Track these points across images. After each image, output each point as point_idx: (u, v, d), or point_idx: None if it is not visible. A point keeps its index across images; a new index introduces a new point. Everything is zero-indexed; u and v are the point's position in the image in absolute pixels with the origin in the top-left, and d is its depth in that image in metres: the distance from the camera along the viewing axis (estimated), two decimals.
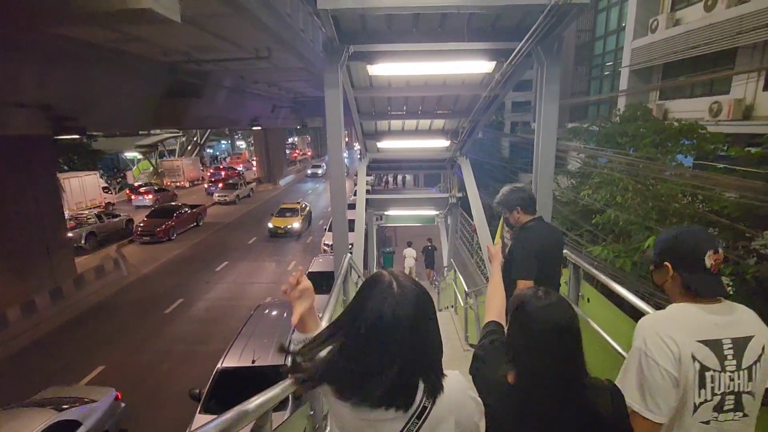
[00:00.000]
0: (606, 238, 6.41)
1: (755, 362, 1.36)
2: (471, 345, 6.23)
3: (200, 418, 6.37)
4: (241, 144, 61.36)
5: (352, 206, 10.13)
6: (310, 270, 12.34)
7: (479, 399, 1.25)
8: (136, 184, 32.25)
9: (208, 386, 6.83)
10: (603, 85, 23.19)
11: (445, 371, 1.12)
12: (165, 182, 33.95)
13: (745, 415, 1.38)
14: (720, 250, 1.41)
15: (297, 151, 62.33)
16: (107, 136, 40.10)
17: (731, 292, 4.75)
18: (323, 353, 1.13)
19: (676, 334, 1.36)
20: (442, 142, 8.23)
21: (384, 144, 8.28)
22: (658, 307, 1.89)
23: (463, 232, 16.98)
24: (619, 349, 2.43)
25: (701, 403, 1.36)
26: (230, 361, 7.10)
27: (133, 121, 10.18)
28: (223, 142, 60.27)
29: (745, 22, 11.12)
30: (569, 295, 3.23)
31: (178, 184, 34.75)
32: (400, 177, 33.30)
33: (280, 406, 1.62)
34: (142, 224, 20.49)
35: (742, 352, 1.36)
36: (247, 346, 7.40)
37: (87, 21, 5.23)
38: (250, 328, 8.09)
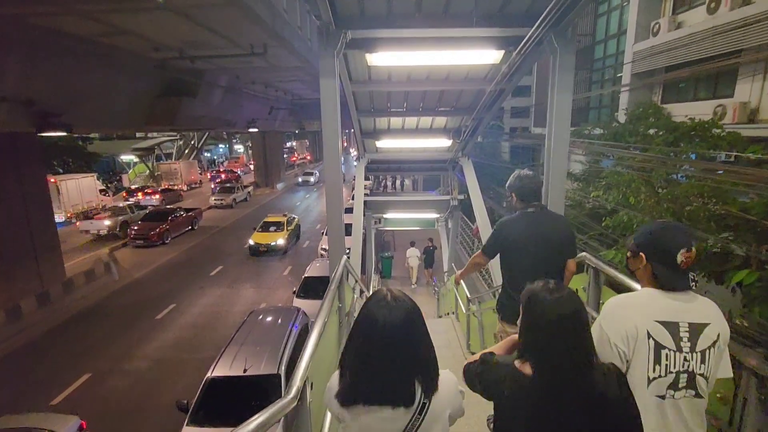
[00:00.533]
0: (617, 240, 6.11)
1: (709, 347, 1.48)
2: (473, 352, 5.92)
3: (187, 431, 6.02)
4: (239, 148, 61.07)
5: (350, 210, 9.88)
6: (306, 275, 12.02)
7: (463, 390, 1.41)
8: (132, 187, 32.03)
9: (196, 397, 6.49)
10: (603, 88, 23.03)
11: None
12: (162, 185, 33.58)
13: (698, 395, 1.50)
14: (693, 249, 1.51)
15: (296, 155, 62.10)
16: (103, 138, 40.34)
17: (757, 298, 4.47)
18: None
19: (635, 314, 1.51)
20: (444, 142, 7.92)
21: (383, 143, 7.96)
22: None
23: (464, 236, 16.66)
24: None
25: (654, 378, 1.48)
26: (221, 370, 6.76)
27: (124, 119, 9.85)
28: (221, 146, 59.94)
29: (750, 23, 10.92)
30: (588, 302, 2.91)
31: (175, 187, 34.29)
32: (398, 181, 32.97)
33: None
34: (136, 228, 20.08)
35: (697, 336, 1.48)
36: (239, 354, 7.07)
37: None
38: (243, 335, 7.75)
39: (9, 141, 11.53)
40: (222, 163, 56.32)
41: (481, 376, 1.46)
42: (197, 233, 22.54)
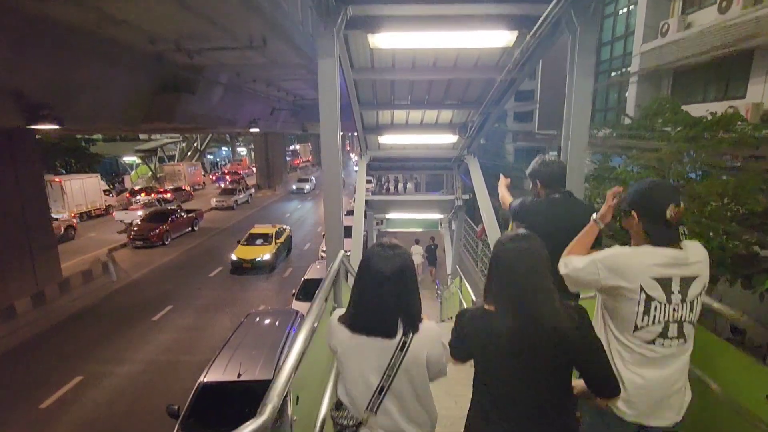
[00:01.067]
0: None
1: (697, 296, 1.63)
2: None
3: None
4: (242, 150, 61.07)
5: (351, 213, 9.58)
6: (306, 277, 11.74)
7: (446, 344, 1.60)
8: (136, 188, 31.99)
9: (188, 402, 6.19)
10: (609, 92, 22.72)
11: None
12: (167, 187, 33.43)
13: (685, 341, 1.64)
14: (681, 205, 1.59)
15: (299, 158, 62.09)
16: (107, 140, 40.45)
17: None
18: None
19: (632, 268, 1.60)
20: (449, 138, 7.60)
21: (386, 139, 7.64)
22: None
23: (467, 238, 16.29)
24: (710, 383, 1.83)
25: (642, 327, 1.60)
26: (214, 374, 6.46)
27: (121, 116, 9.59)
28: (223, 148, 59.97)
29: (763, 23, 10.61)
30: None
31: (185, 188, 34.27)
32: (401, 184, 32.68)
33: None
34: (136, 228, 19.90)
35: (687, 288, 1.60)
36: (233, 358, 6.77)
37: None
38: (238, 338, 7.45)
39: (5, 139, 11.35)
40: (224, 165, 56.23)
41: (457, 329, 1.56)
42: (198, 234, 22.33)
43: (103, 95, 8.65)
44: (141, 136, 41.57)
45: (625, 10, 21.87)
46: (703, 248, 1.70)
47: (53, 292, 13.46)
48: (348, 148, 69.37)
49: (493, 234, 6.30)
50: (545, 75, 31.88)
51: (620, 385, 1.55)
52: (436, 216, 12.33)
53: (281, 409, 1.28)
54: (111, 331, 11.58)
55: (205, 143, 44.24)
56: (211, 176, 45.12)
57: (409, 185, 33.59)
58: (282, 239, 17.76)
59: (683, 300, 1.61)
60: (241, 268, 15.94)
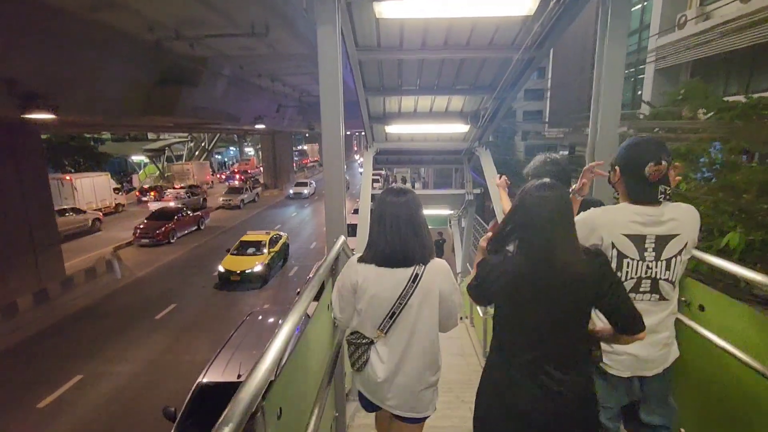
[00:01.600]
0: None
1: (675, 255, 1.66)
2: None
3: None
4: (250, 150, 61.30)
5: (357, 212, 9.21)
6: (311, 275, 11.41)
7: (456, 283, 1.82)
8: (145, 186, 32.46)
9: (185, 404, 5.90)
10: (624, 87, 22.09)
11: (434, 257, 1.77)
12: (174, 186, 33.66)
13: (663, 299, 1.70)
14: (663, 162, 1.61)
15: (308, 158, 62.51)
16: (115, 140, 40.68)
17: None
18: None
19: (605, 225, 1.69)
20: (460, 127, 7.20)
21: (393, 129, 7.26)
22: None
23: (477, 236, 15.81)
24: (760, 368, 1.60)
25: None
26: (213, 375, 6.17)
27: (120, 107, 9.35)
28: (231, 148, 60.20)
29: None
30: None
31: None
32: (408, 183, 32.31)
33: None
34: (141, 226, 19.83)
35: (662, 247, 1.65)
36: (233, 358, 6.47)
37: None
38: (240, 337, 7.14)
39: (7, 135, 11.25)
40: (232, 165, 56.50)
41: (480, 274, 1.55)
42: (204, 233, 22.20)
43: (101, 85, 8.41)
44: (150, 136, 42.02)
45: (639, 6, 21.29)
46: (689, 209, 1.71)
47: (56, 289, 13.33)
48: (355, 148, 69.13)
49: None
50: (555, 74, 31.40)
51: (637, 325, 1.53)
52: (446, 212, 11.92)
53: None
54: (112, 330, 11.39)
55: (213, 143, 44.26)
56: (218, 175, 45.17)
57: (417, 185, 33.17)
58: (277, 247, 15.86)
59: (657, 258, 1.63)
60: (229, 281, 14.04)
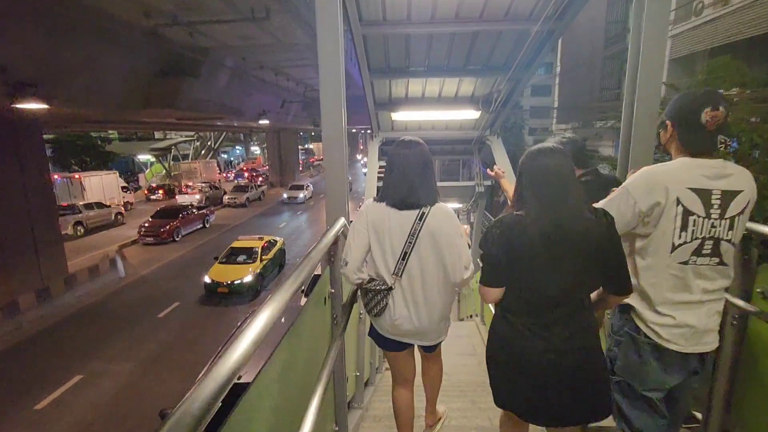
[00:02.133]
0: None
1: (738, 214, 1.50)
2: None
3: None
4: (256, 150, 61.38)
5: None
6: (316, 272, 11.03)
7: (461, 227, 1.94)
8: (153, 185, 32.84)
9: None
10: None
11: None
12: (182, 184, 34.15)
13: (721, 263, 1.53)
14: (721, 108, 1.45)
15: (314, 157, 62.86)
16: (123, 139, 40.81)
17: None
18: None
19: (667, 180, 1.50)
20: (471, 113, 6.80)
21: (400, 116, 6.87)
22: None
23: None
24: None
25: (680, 245, 1.50)
26: None
27: (119, 99, 9.08)
28: (237, 147, 60.36)
29: None
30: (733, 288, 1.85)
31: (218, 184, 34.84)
32: None
33: None
34: (146, 224, 19.72)
35: (728, 203, 1.48)
36: None
37: None
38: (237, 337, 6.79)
39: (10, 132, 11.08)
40: (238, 164, 56.76)
41: (488, 238, 1.53)
42: (209, 231, 22.04)
43: (98, 76, 8.13)
44: (156, 135, 42.24)
45: None
46: (744, 169, 1.57)
47: (59, 287, 13.14)
48: (361, 147, 68.55)
49: None
50: (564, 68, 30.76)
51: (656, 311, 1.57)
52: (455, 205, 11.47)
53: None
54: (115, 328, 11.18)
55: (218, 142, 44.40)
56: (225, 174, 45.20)
57: None
58: (271, 254, 14.38)
59: (722, 216, 1.50)
60: (216, 293, 12.51)
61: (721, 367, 1.88)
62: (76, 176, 23.82)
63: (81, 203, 21.56)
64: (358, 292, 2.08)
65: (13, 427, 7.56)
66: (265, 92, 17.02)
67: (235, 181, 37.69)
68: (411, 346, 2.10)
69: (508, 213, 1.56)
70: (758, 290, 1.79)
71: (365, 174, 8.75)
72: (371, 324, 2.13)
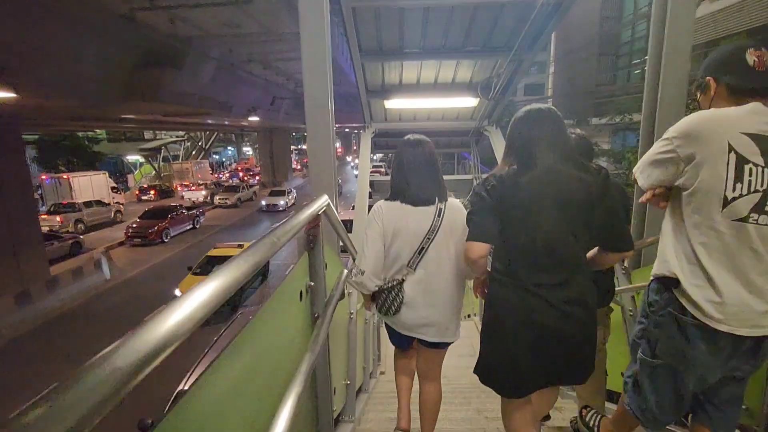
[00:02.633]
0: None
1: None
2: None
3: None
4: (248, 150, 61.03)
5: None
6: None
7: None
8: (145, 185, 32.75)
9: (163, 415, 5.14)
10: (632, 75, 21.33)
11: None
12: (174, 185, 34.05)
13: None
14: (764, 49, 1.32)
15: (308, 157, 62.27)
16: (111, 140, 40.07)
17: None
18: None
19: (716, 125, 1.30)
20: (468, 101, 6.44)
21: (393, 104, 6.49)
22: None
23: None
24: None
25: (734, 198, 1.26)
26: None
27: (96, 90, 8.58)
28: (229, 148, 60.10)
29: None
30: None
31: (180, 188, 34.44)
32: None
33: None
34: (134, 225, 19.21)
35: None
36: None
37: None
38: (226, 339, 6.44)
39: None
40: (230, 165, 56.50)
41: (478, 189, 1.53)
42: (199, 231, 21.56)
43: (73, 64, 7.64)
44: (146, 136, 41.65)
45: None
46: None
47: (40, 291, 12.60)
48: (354, 148, 67.96)
49: None
50: (558, 66, 30.63)
51: (703, 284, 1.32)
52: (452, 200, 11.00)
53: None
54: (98, 333, 10.57)
55: (210, 142, 44.04)
56: (217, 175, 44.75)
57: None
58: None
59: None
60: None
61: None
62: (65, 177, 23.59)
63: (81, 201, 21.57)
64: (346, 287, 1.74)
65: None
66: (253, 86, 16.55)
67: (231, 181, 37.31)
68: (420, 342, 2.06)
69: (501, 168, 1.54)
70: None
71: (356, 175, 8.34)
72: (385, 323, 2.10)
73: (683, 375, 1.42)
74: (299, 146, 62.86)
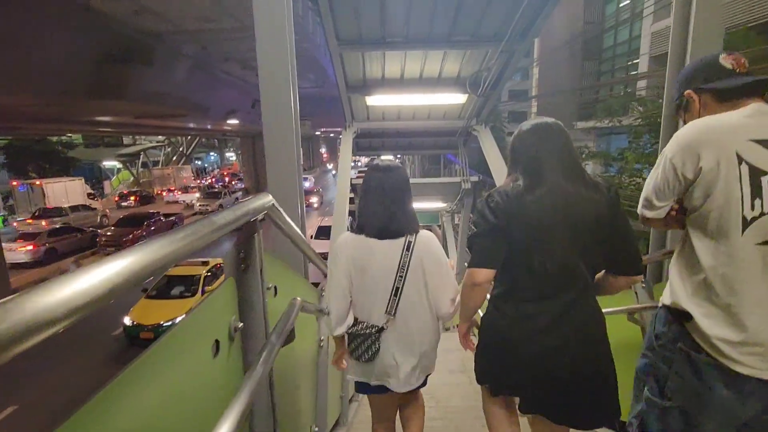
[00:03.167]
0: None
1: None
2: None
3: None
4: (231, 156, 60.43)
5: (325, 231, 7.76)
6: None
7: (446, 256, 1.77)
8: (125, 191, 31.71)
9: None
10: (615, 78, 21.47)
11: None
12: (155, 191, 33.35)
13: None
14: (736, 54, 1.24)
15: None
16: (88, 145, 38.85)
17: None
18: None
19: (717, 134, 1.14)
20: (456, 97, 6.03)
21: (375, 100, 6.02)
22: None
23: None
24: None
25: (754, 219, 1.07)
26: None
27: (55, 85, 7.90)
28: (212, 153, 59.50)
29: None
30: None
31: (164, 193, 33.90)
32: None
33: None
34: (109, 233, 18.38)
35: None
36: None
37: None
38: None
39: None
40: (212, 170, 55.96)
41: (483, 207, 1.43)
42: None
43: (25, 57, 6.96)
44: (125, 141, 40.65)
45: None
46: None
47: None
48: (327, 156, 66.59)
49: None
50: (543, 71, 30.85)
51: (721, 319, 1.13)
52: (438, 205, 10.61)
53: None
54: (62, 350, 9.79)
55: (191, 148, 43.41)
56: (200, 180, 43.92)
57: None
58: (217, 284, 8.87)
59: None
60: (138, 339, 8.99)
61: None
62: (38, 183, 23.14)
63: (67, 206, 21.40)
64: (292, 318, 1.24)
65: None
66: (232, 88, 15.96)
67: (217, 187, 36.62)
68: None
69: (506, 184, 1.46)
70: None
71: (334, 174, 7.84)
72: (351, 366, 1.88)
73: (701, 420, 1.21)
74: None
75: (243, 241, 1.07)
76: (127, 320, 9.34)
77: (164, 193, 32.12)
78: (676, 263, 1.30)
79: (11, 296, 0.42)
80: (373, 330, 1.68)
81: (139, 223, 19.28)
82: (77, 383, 8.54)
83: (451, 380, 4.74)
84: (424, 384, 1.88)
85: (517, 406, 1.55)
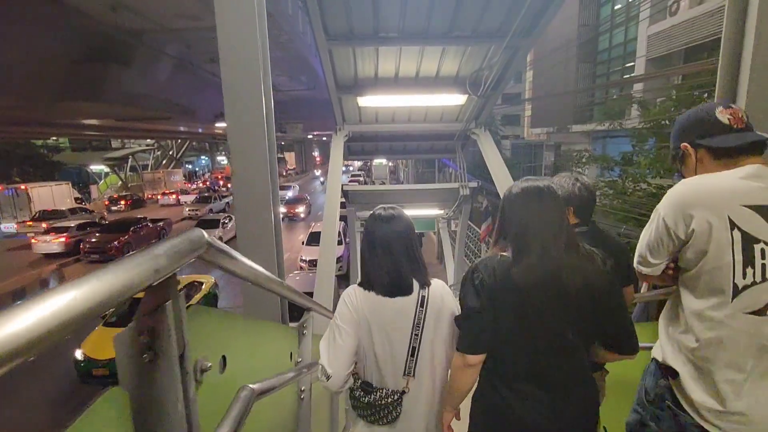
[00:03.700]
0: None
1: None
2: None
3: None
4: (223, 159, 59.97)
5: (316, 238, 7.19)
6: None
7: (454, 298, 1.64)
8: (115, 195, 31.48)
9: None
10: (611, 81, 21.31)
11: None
12: (146, 195, 33.23)
13: None
14: (733, 106, 1.20)
15: (287, 166, 61.75)
16: (76, 149, 38.08)
17: None
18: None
19: (709, 198, 1.12)
20: (454, 99, 5.65)
21: (368, 101, 5.59)
22: None
23: (468, 243, 14.19)
24: None
25: (745, 287, 1.06)
26: None
27: (29, 85, 7.38)
28: (203, 157, 59.07)
29: None
30: None
31: (159, 196, 33.71)
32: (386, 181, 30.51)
33: None
34: (93, 240, 17.75)
35: None
36: None
37: None
38: None
39: None
40: (203, 174, 55.59)
41: (467, 286, 1.39)
42: None
43: (2, 54, 6.43)
44: (114, 144, 40.06)
45: None
46: None
47: None
48: (320, 159, 66.06)
49: None
50: (537, 74, 30.70)
51: (707, 385, 1.13)
52: (434, 212, 10.16)
53: None
54: (37, 365, 9.29)
55: (181, 152, 43.11)
56: (191, 184, 43.37)
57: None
58: (194, 302, 9.71)
59: None
60: (91, 377, 7.64)
61: None
62: (23, 187, 22.60)
63: (67, 209, 21.79)
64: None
65: None
66: (220, 90, 15.44)
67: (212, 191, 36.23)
68: None
69: (491, 256, 1.40)
70: None
71: (322, 181, 7.34)
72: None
73: None
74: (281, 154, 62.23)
75: (144, 321, 0.64)
76: (78, 354, 7.66)
77: (159, 197, 32.05)
78: (665, 318, 1.29)
79: None
80: (395, 397, 1.55)
81: (125, 229, 18.65)
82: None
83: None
84: None
85: None
